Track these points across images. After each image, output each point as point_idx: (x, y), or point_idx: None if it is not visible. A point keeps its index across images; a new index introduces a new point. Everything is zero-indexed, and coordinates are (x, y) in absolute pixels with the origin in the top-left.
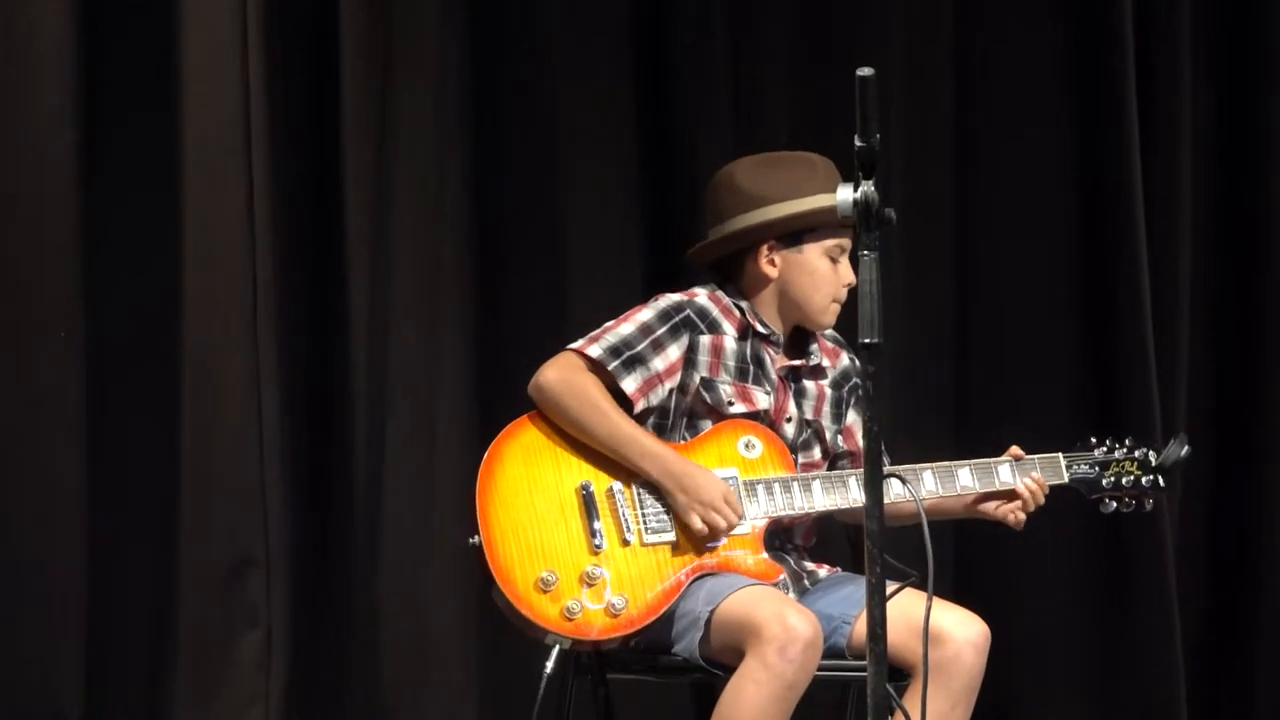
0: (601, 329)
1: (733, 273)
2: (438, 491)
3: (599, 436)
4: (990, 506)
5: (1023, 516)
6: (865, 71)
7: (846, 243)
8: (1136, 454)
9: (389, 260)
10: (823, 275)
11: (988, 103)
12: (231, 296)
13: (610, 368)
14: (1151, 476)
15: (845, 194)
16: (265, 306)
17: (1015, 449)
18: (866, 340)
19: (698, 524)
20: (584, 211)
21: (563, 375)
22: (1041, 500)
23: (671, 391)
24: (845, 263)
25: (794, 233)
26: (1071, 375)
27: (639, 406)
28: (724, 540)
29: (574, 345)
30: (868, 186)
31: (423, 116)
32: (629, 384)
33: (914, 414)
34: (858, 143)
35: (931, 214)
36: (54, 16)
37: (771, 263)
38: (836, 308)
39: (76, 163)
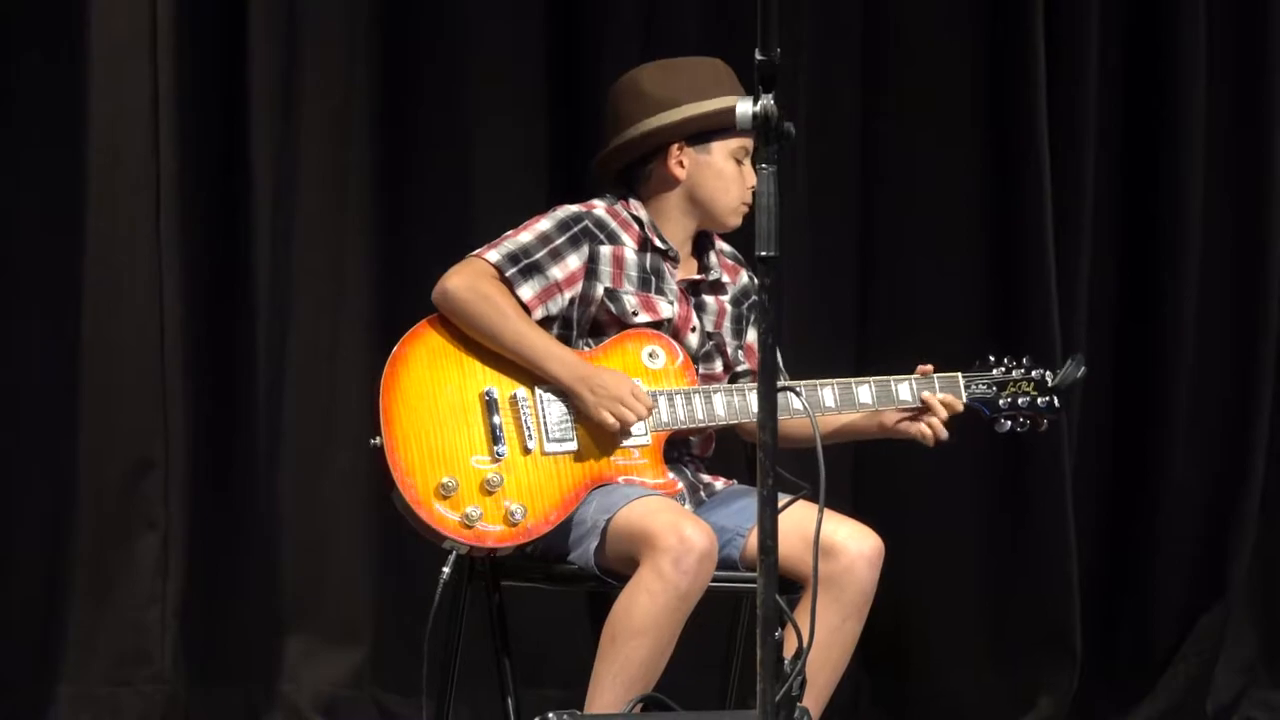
0: (501, 237)
1: (636, 180)
2: (339, 395)
3: (505, 341)
4: (902, 424)
5: (932, 432)
6: None
7: (750, 144)
8: (1033, 374)
9: (293, 166)
10: (730, 176)
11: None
12: (134, 197)
13: (507, 274)
14: (1047, 398)
15: (745, 107)
16: (168, 208)
17: (923, 366)
18: (764, 254)
19: (609, 419)
20: (490, 120)
21: (468, 281)
22: (945, 414)
23: (572, 301)
24: (749, 165)
25: (701, 133)
26: (975, 294)
27: (536, 314)
28: (639, 437)
29: (476, 252)
30: (767, 100)
31: (330, 24)
32: (525, 291)
33: (816, 331)
34: (758, 56)
35: (835, 131)
36: None
37: (680, 164)
38: (744, 209)
39: None
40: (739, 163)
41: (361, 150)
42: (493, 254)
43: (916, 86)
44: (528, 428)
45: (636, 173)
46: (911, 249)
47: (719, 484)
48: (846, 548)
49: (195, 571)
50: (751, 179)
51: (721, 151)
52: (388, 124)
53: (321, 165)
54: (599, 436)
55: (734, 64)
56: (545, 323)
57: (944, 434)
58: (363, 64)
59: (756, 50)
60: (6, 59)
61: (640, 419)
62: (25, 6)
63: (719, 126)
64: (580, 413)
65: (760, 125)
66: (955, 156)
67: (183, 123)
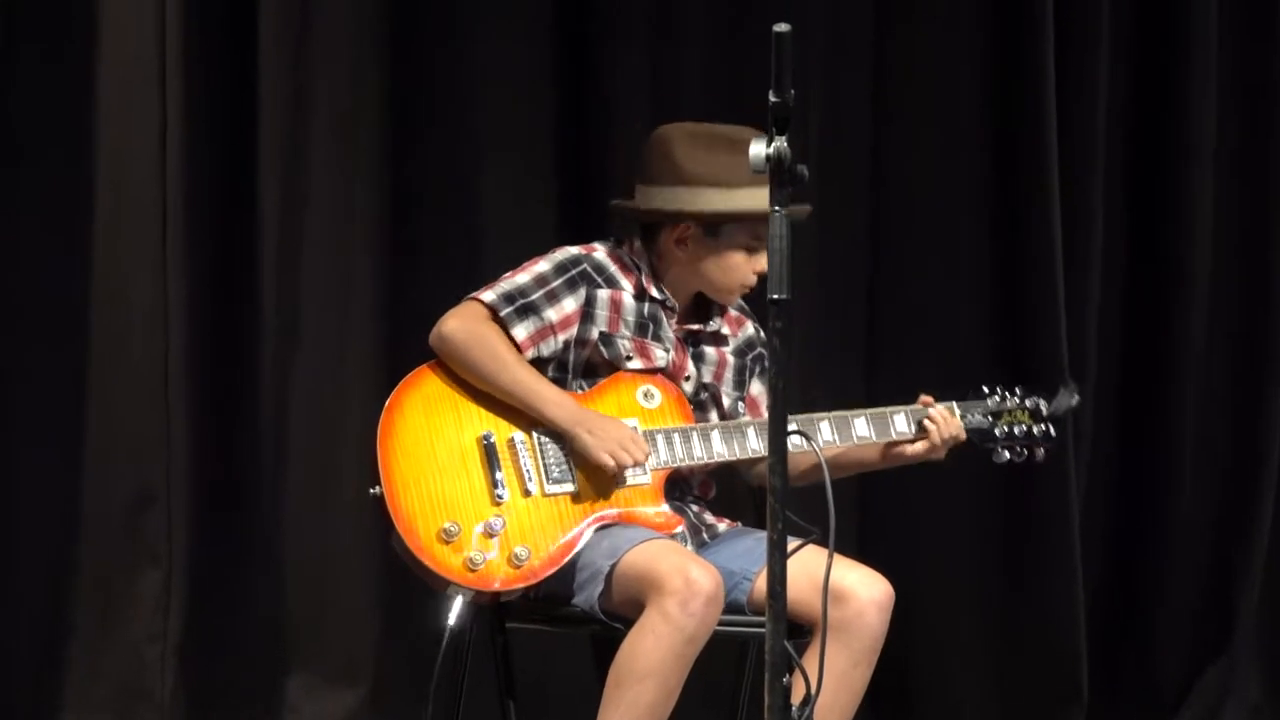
0: (499, 278)
1: (649, 233)
2: (344, 434)
3: (501, 385)
4: (905, 449)
5: (927, 450)
6: (781, 27)
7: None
8: (1027, 403)
9: (301, 193)
10: (733, 266)
11: (907, 56)
12: (141, 225)
13: (502, 314)
14: (1043, 426)
15: (758, 149)
16: (174, 237)
17: (924, 397)
18: (775, 297)
19: (607, 462)
20: (498, 144)
21: (464, 324)
22: (948, 433)
23: (568, 344)
24: (763, 254)
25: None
26: (982, 321)
27: (528, 355)
28: (638, 476)
29: (472, 295)
30: (780, 142)
31: (339, 50)
32: (519, 331)
33: (823, 365)
34: (772, 98)
35: (844, 165)
36: None
37: (682, 243)
38: (745, 290)
39: None
40: (750, 250)
41: (370, 177)
42: (488, 294)
43: (925, 113)
44: (527, 470)
45: (646, 226)
46: (918, 278)
47: (722, 525)
48: (857, 593)
49: (197, 608)
50: (760, 265)
51: (732, 241)
52: (397, 151)
53: (330, 192)
54: (597, 476)
55: (745, 93)
56: (538, 364)
57: (942, 453)
58: (373, 91)
59: (770, 92)
60: (11, 82)
61: (637, 464)
62: (32, 29)
63: (732, 221)
64: (578, 453)
65: (773, 168)
66: (964, 186)
67: (190, 147)
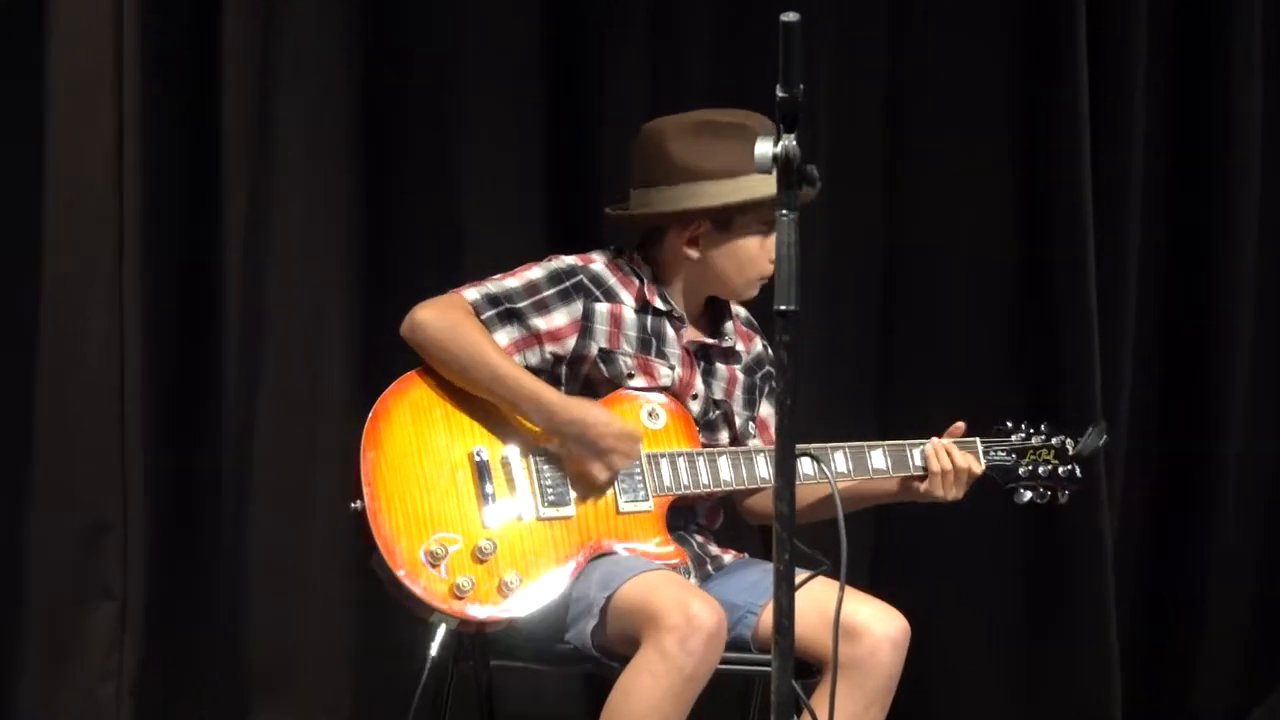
0: (488, 278)
1: (650, 239)
2: (315, 453)
3: (480, 379)
4: (919, 486)
5: (943, 493)
6: (790, 17)
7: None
8: (1054, 441)
9: (267, 200)
10: (751, 255)
11: (920, 56)
12: (95, 236)
13: (484, 316)
14: (1069, 466)
15: (764, 148)
16: (131, 248)
17: (958, 425)
18: (783, 307)
19: (599, 474)
20: (485, 164)
21: (441, 312)
22: (939, 467)
23: (558, 358)
24: (774, 236)
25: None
26: (1008, 348)
27: None
28: (640, 503)
29: (456, 289)
30: (789, 140)
31: (307, 47)
32: (501, 337)
33: (835, 394)
34: (780, 93)
35: (857, 168)
36: None
37: (694, 243)
38: (762, 282)
39: None
40: (764, 236)
41: (341, 182)
42: (472, 292)
43: (945, 115)
44: (521, 490)
45: (647, 231)
46: (938, 298)
47: (728, 557)
48: (870, 629)
49: (154, 644)
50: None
51: (745, 229)
52: (369, 153)
53: (298, 199)
54: (598, 500)
55: (748, 85)
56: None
57: (948, 490)
58: (342, 91)
59: (778, 87)
60: None
61: (631, 459)
62: None
63: (746, 211)
64: (577, 474)
65: (781, 168)
66: (988, 196)
67: (148, 154)
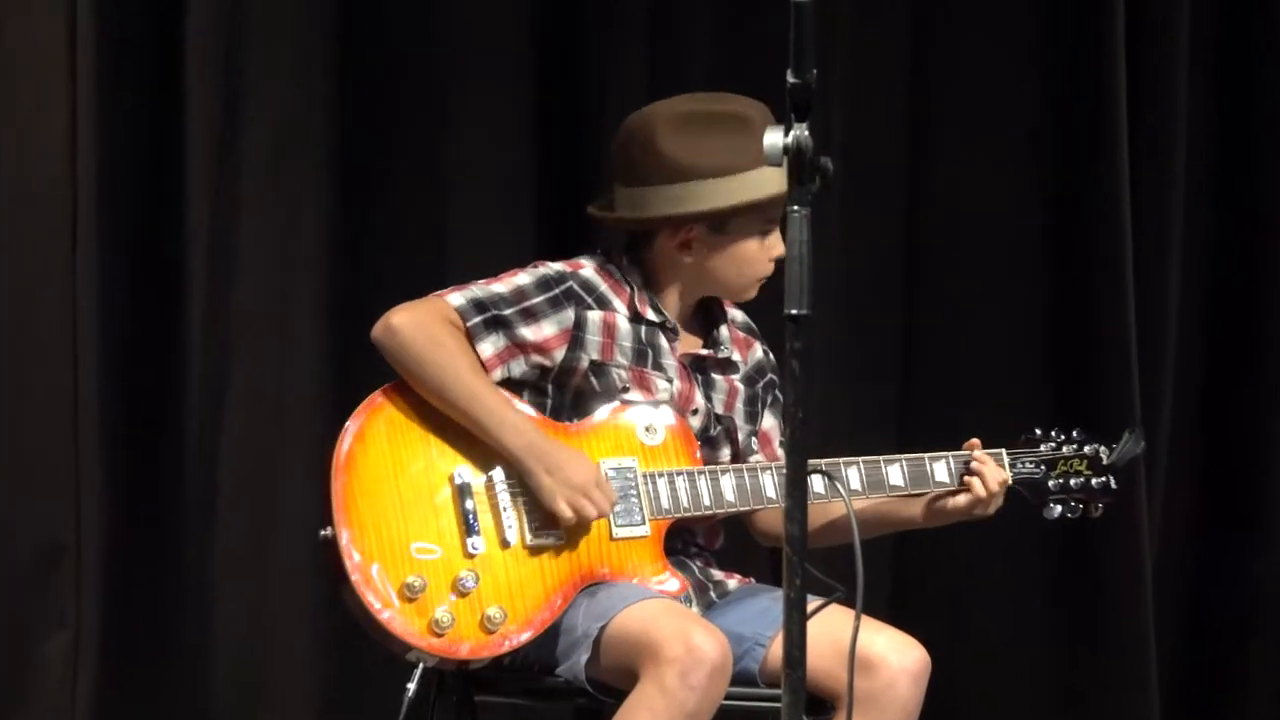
0: (470, 282)
1: (639, 242)
2: (283, 474)
3: (454, 399)
4: (947, 503)
5: (969, 505)
6: None
7: (779, 213)
8: (1086, 450)
9: (233, 200)
10: (749, 257)
11: (948, 44)
12: (47, 235)
13: (469, 323)
14: (1103, 478)
15: (774, 138)
16: (86, 247)
17: (973, 440)
18: (794, 311)
19: (564, 511)
20: (471, 157)
21: (419, 319)
22: (995, 486)
23: (544, 370)
24: (775, 234)
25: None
26: (1037, 358)
27: (495, 375)
28: (635, 527)
29: (437, 293)
30: (801, 131)
31: (279, 37)
32: (486, 347)
33: (849, 405)
34: (790, 79)
35: (874, 161)
36: None
37: (687, 246)
38: (761, 283)
39: None
40: (763, 235)
41: (315, 179)
42: (456, 297)
43: (970, 103)
44: (507, 517)
45: (636, 234)
46: (963, 297)
47: (732, 582)
48: (887, 661)
49: (110, 675)
50: (776, 250)
51: (743, 230)
52: (346, 148)
53: (268, 196)
54: (589, 527)
55: (751, 83)
56: (510, 386)
57: (989, 508)
58: (318, 79)
59: (789, 72)
60: None
61: (600, 516)
62: None
63: (745, 213)
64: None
65: (792, 160)
66: (1016, 189)
67: (104, 144)
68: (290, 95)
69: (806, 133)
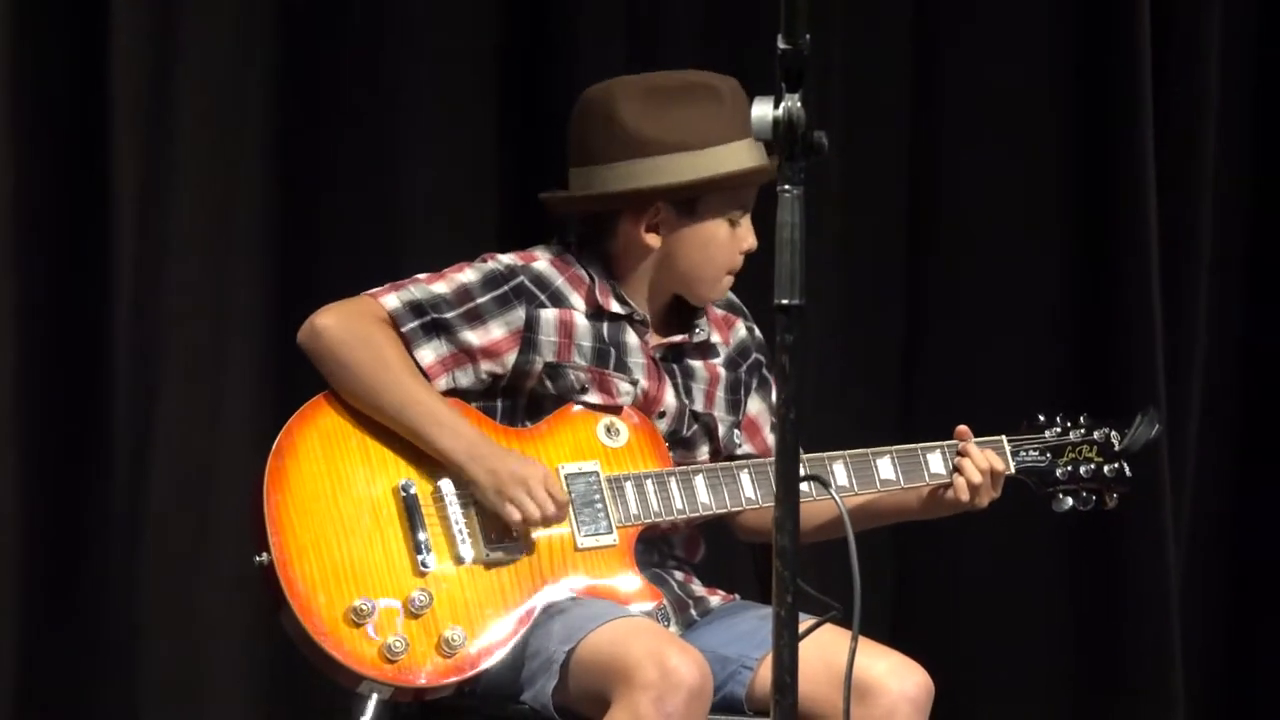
0: (409, 279)
1: (600, 228)
2: (218, 487)
3: (386, 404)
4: (944, 495)
5: (956, 496)
6: None
7: (751, 198)
8: (1096, 435)
9: (165, 190)
10: (719, 246)
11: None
12: None
13: (404, 329)
14: (1115, 464)
15: (763, 110)
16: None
17: (962, 428)
18: (784, 301)
19: (510, 513)
20: (427, 139)
21: (348, 320)
22: (977, 477)
23: (495, 377)
24: (747, 223)
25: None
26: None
27: (440, 385)
28: (601, 536)
29: (369, 291)
30: (793, 102)
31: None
32: (425, 354)
33: (845, 393)
34: (781, 45)
35: (874, 141)
36: None
37: (654, 229)
38: (730, 280)
39: None
40: (732, 224)
41: (254, 169)
42: (391, 298)
43: (987, 82)
44: (459, 529)
45: (599, 219)
46: (972, 287)
47: (715, 599)
48: (886, 686)
49: (25, 703)
50: (747, 241)
51: (713, 211)
52: (287, 128)
53: (200, 183)
54: (551, 536)
55: (737, 63)
56: (455, 395)
57: (980, 499)
58: (256, 52)
59: (779, 37)
60: None
61: (547, 518)
62: None
63: (715, 189)
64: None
65: (783, 135)
66: (1032, 165)
67: (18, 125)
68: (225, 68)
69: (799, 104)
